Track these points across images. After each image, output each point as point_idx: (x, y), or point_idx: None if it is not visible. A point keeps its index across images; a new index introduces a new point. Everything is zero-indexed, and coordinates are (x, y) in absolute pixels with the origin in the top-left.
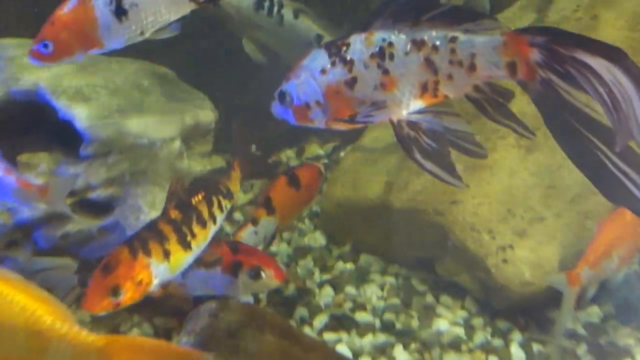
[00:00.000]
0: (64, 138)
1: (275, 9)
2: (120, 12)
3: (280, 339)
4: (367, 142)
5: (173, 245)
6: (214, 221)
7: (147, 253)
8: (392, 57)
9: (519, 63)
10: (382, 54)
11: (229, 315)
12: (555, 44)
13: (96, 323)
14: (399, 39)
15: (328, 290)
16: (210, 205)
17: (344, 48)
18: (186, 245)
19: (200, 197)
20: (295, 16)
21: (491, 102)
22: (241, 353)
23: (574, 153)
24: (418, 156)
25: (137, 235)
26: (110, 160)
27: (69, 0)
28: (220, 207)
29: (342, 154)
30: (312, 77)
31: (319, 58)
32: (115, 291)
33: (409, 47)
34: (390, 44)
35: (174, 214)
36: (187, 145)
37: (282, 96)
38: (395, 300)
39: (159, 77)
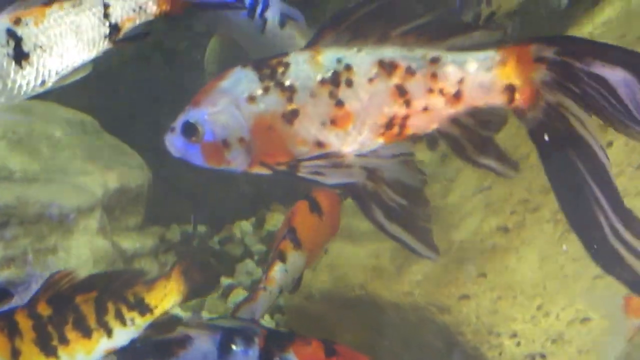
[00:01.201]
0: None
1: (259, 9)
2: (20, 56)
3: None
4: (350, 212)
5: (27, 346)
6: (108, 334)
7: None
8: (349, 84)
9: (519, 85)
10: (335, 80)
11: None
12: (569, 55)
13: None
14: (361, 59)
15: None
16: (101, 311)
17: (281, 70)
18: (49, 351)
19: (89, 296)
20: (282, 24)
21: (472, 138)
22: None
23: (570, 206)
24: (380, 217)
25: None
26: (9, 234)
27: None
28: (120, 317)
29: None
30: (235, 105)
31: (246, 81)
32: None
33: (374, 71)
34: (348, 67)
35: (43, 307)
36: (111, 216)
37: (189, 128)
38: None
39: (75, 126)
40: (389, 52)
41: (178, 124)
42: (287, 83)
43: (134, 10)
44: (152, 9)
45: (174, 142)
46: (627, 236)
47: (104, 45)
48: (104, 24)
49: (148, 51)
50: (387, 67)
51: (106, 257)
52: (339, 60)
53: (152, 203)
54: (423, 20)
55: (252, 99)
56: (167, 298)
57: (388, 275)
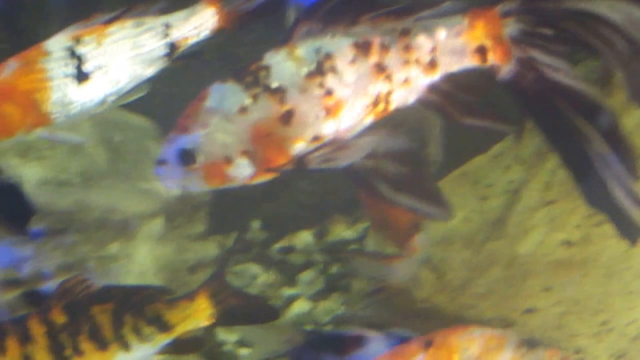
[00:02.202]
0: (8, 207)
1: None
2: (81, 76)
3: None
4: None
5: (39, 354)
6: (126, 347)
7: (1, 351)
8: (334, 70)
9: (490, 45)
10: (320, 71)
11: None
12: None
13: None
14: (337, 45)
15: None
16: (118, 323)
17: (263, 73)
18: None
19: (106, 307)
20: None
21: (456, 103)
22: None
23: (561, 147)
24: (386, 190)
25: None
26: (68, 241)
27: (6, 62)
28: (137, 332)
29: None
30: (227, 120)
31: (231, 94)
32: None
33: (352, 53)
34: (328, 55)
35: (57, 315)
36: (174, 223)
37: (186, 156)
38: None
39: (135, 131)
40: (361, 31)
41: (170, 154)
42: (275, 85)
43: (194, 29)
44: (210, 27)
45: (170, 174)
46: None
47: (161, 63)
48: (163, 44)
49: (209, 55)
50: (363, 47)
51: (169, 266)
52: (317, 51)
53: (213, 211)
54: (392, 7)
55: (243, 110)
56: (189, 319)
57: (452, 288)
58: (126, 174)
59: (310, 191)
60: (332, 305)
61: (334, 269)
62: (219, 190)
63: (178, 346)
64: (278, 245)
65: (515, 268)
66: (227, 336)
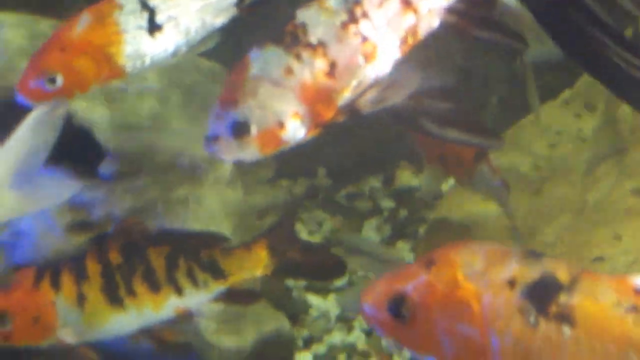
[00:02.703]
0: (78, 151)
1: None
2: (154, 29)
3: None
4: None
5: (94, 292)
6: (178, 292)
7: (55, 286)
8: (365, 16)
9: None
10: (353, 18)
11: None
12: None
13: None
14: None
15: None
16: (172, 267)
17: (301, 31)
18: (115, 301)
19: (161, 250)
20: None
21: (471, 20)
22: None
23: (581, 56)
24: (432, 128)
25: (52, 262)
26: (138, 184)
27: (79, 15)
28: (192, 277)
29: (444, 186)
30: (275, 85)
31: (273, 58)
32: (1, 318)
33: None
34: (357, 2)
35: (114, 255)
36: (241, 168)
37: (239, 128)
38: None
39: (205, 74)
40: None
41: (222, 129)
42: (314, 41)
43: None
44: None
45: (224, 149)
46: None
47: (232, 12)
48: None
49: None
50: None
51: (238, 210)
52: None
53: (280, 155)
54: None
55: (288, 71)
56: (244, 268)
57: (520, 236)
58: (196, 118)
59: (376, 138)
60: (398, 252)
61: (401, 215)
62: None
63: (233, 295)
64: (345, 192)
65: (584, 216)
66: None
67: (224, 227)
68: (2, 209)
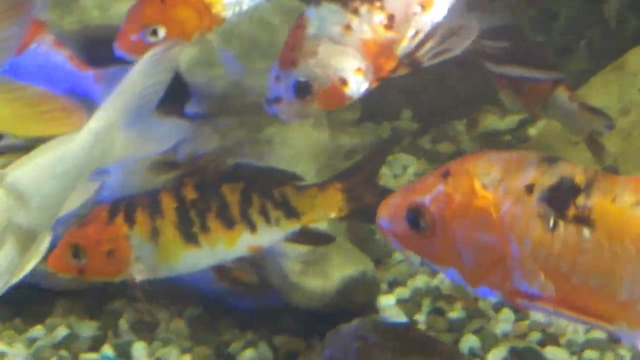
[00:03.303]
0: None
1: None
2: None
3: None
4: None
5: (168, 228)
6: (252, 229)
7: (129, 220)
8: None
9: None
10: None
11: (382, 339)
12: None
13: (197, 339)
14: None
15: (507, 314)
16: (246, 204)
17: None
18: (189, 237)
19: (235, 187)
20: None
21: None
22: None
23: None
24: (494, 67)
25: (126, 197)
26: (223, 124)
27: None
28: (265, 214)
29: (532, 130)
30: (335, 42)
31: (330, 15)
32: (75, 251)
33: None
34: None
35: (188, 191)
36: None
37: (301, 89)
38: (600, 335)
39: (290, 14)
40: None
41: (284, 90)
42: None
43: None
44: None
45: (288, 110)
46: None
47: None
48: None
49: None
50: None
51: (324, 151)
52: None
53: (366, 98)
54: None
55: (347, 27)
56: (317, 208)
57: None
58: None
59: (461, 81)
60: None
61: None
62: None
63: (306, 236)
64: (429, 135)
65: None
66: None
67: (310, 168)
68: (115, 151)
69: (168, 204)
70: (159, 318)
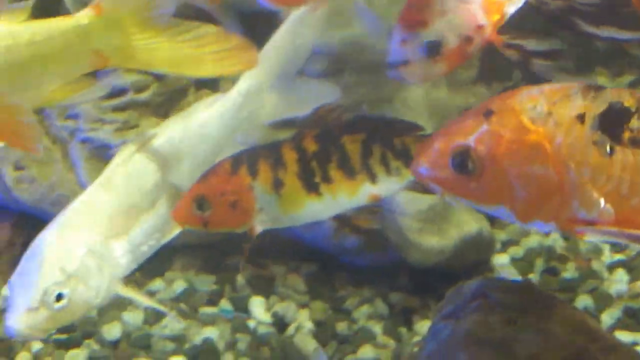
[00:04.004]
0: None
1: None
2: None
3: (571, 333)
4: None
5: (290, 178)
6: (372, 179)
7: (252, 172)
8: None
9: None
10: None
11: (505, 297)
12: None
13: (314, 295)
14: None
15: (621, 275)
16: (366, 154)
17: None
18: (311, 187)
19: (356, 137)
20: None
21: None
22: (520, 345)
23: None
24: (588, 27)
25: (248, 150)
26: (344, 83)
27: None
28: (385, 164)
29: None
30: (462, 1)
31: None
32: (200, 203)
33: None
34: None
35: (309, 143)
36: None
37: (434, 47)
38: None
39: None
40: None
41: (414, 51)
42: None
43: None
44: None
45: (416, 72)
46: None
47: None
48: None
49: None
50: None
51: (442, 110)
52: None
53: (482, 57)
54: None
55: None
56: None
57: None
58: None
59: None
60: None
61: None
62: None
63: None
64: None
65: None
66: None
67: (428, 127)
68: (263, 112)
69: (290, 155)
70: (275, 273)
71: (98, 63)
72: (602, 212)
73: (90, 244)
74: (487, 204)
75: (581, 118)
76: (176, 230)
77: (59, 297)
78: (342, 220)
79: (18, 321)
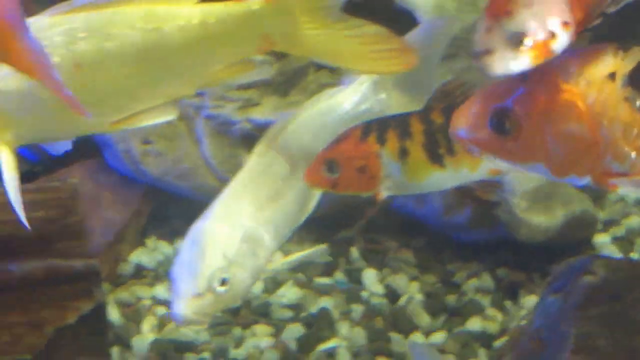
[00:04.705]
0: None
1: None
2: None
3: None
4: None
5: (415, 148)
6: None
7: (381, 140)
8: None
9: None
10: None
11: (612, 275)
12: None
13: (424, 268)
14: None
15: None
16: None
17: None
18: (435, 158)
19: None
20: None
21: None
22: (625, 321)
23: None
24: None
25: (378, 120)
26: (458, 67)
27: None
28: None
29: None
30: None
31: None
32: (330, 166)
33: None
34: None
35: (436, 115)
36: None
37: (516, 40)
38: None
39: None
40: None
41: (497, 41)
42: None
43: None
44: None
45: (499, 62)
46: None
47: None
48: None
49: None
50: None
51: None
52: None
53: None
54: None
55: None
56: None
57: None
58: None
59: None
60: None
61: None
62: None
63: None
64: None
65: None
66: None
67: None
68: (388, 104)
69: (416, 126)
70: (388, 247)
71: (264, 47)
72: (634, 163)
73: (244, 231)
74: (525, 162)
75: (612, 76)
76: (307, 213)
77: (223, 282)
78: (463, 191)
79: (185, 307)
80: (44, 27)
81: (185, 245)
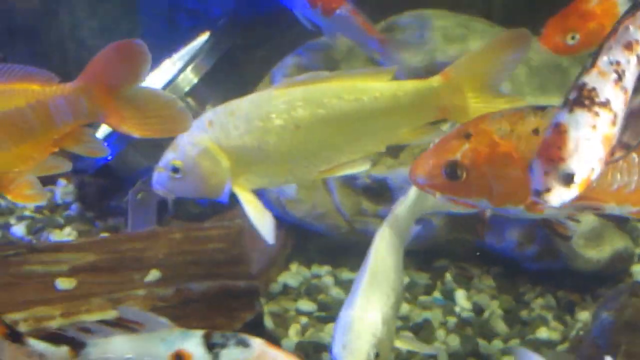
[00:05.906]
0: None
1: None
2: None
3: None
4: None
5: None
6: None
7: None
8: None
9: None
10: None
11: None
12: None
13: (501, 290)
14: None
15: None
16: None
17: (593, 94)
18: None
19: None
20: None
21: None
22: None
23: None
24: None
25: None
26: None
27: None
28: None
29: None
30: (588, 140)
31: (582, 119)
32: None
33: None
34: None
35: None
36: None
37: (569, 180)
38: None
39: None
40: None
41: (555, 181)
42: (604, 100)
43: None
44: None
45: (556, 198)
46: None
47: None
48: None
49: None
50: None
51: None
52: None
53: None
54: None
55: (594, 127)
56: None
57: None
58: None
59: None
60: None
61: None
62: None
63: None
64: None
65: None
66: None
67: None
68: (429, 202)
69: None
70: (473, 273)
71: (438, 115)
72: None
73: (382, 315)
74: (472, 198)
75: (536, 131)
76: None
77: (377, 355)
78: (547, 224)
79: None
80: (271, 97)
81: (339, 329)
